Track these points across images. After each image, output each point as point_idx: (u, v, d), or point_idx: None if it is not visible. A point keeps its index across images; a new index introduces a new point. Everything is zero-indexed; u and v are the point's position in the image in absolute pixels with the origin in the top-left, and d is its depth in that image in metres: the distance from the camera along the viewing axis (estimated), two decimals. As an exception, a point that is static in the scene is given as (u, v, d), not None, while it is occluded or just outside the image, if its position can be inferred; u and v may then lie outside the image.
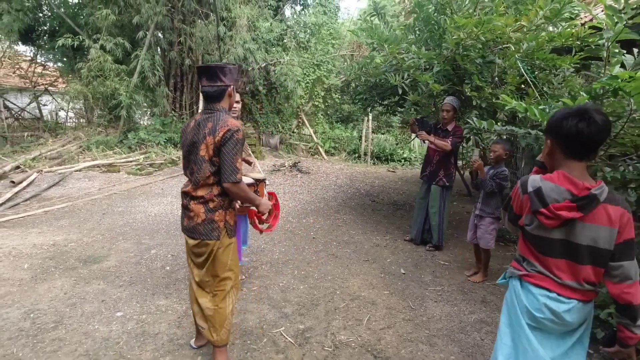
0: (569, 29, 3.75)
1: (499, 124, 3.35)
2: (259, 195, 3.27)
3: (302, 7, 13.67)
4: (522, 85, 4.21)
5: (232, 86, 2.11)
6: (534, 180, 1.56)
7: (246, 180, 3.03)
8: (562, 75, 3.97)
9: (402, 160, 12.47)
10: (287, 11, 13.83)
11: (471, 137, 5.22)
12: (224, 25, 10.57)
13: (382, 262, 4.13)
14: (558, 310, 1.52)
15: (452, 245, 4.75)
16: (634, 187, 2.64)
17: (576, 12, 3.86)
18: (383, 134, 14.05)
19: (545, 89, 4.05)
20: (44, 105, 15.20)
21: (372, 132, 13.28)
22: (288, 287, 3.43)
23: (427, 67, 4.25)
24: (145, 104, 11.63)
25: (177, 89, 11.67)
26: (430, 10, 4.39)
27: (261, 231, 3.10)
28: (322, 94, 14.19)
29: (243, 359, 2.42)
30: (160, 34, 10.90)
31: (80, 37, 9.52)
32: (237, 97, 3.08)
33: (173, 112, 11.34)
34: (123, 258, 3.82)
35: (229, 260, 2.15)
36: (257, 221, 2.99)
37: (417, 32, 4.73)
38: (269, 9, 12.08)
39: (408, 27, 4.63)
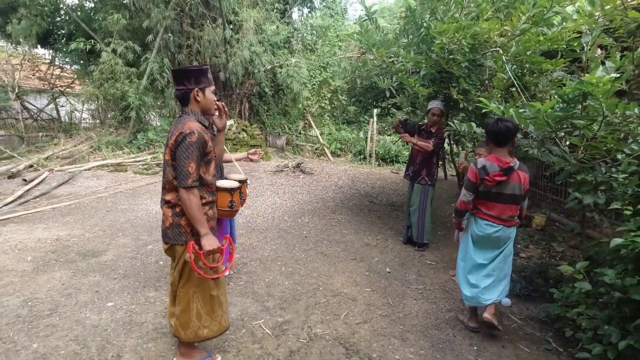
0: (556, 32, 3.80)
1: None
2: (244, 196, 3.34)
3: (309, 9, 13.84)
4: (512, 89, 4.28)
5: (196, 89, 2.09)
6: (480, 162, 2.78)
7: (230, 184, 3.08)
8: (548, 79, 4.01)
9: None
10: (295, 14, 14.04)
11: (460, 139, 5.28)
12: (231, 28, 10.84)
13: (369, 260, 4.23)
14: (490, 232, 2.78)
15: (443, 245, 4.82)
16: (604, 189, 2.70)
17: (562, 16, 3.91)
18: (389, 135, 14.09)
19: (533, 92, 4.11)
20: (62, 106, 15.75)
21: (379, 133, 13.36)
22: (273, 283, 3.57)
23: (416, 70, 4.35)
24: (154, 105, 11.96)
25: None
26: (420, 14, 4.48)
27: (195, 270, 2.08)
28: (329, 95, 14.32)
29: (221, 347, 2.56)
30: (169, 37, 11.20)
31: (92, 40, 9.88)
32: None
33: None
34: (120, 253, 4.03)
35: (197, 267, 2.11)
36: (192, 257, 2.06)
37: (410, 35, 4.82)
38: (275, 11, 12.29)
39: (400, 31, 4.72)
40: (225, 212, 3.03)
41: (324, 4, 13.81)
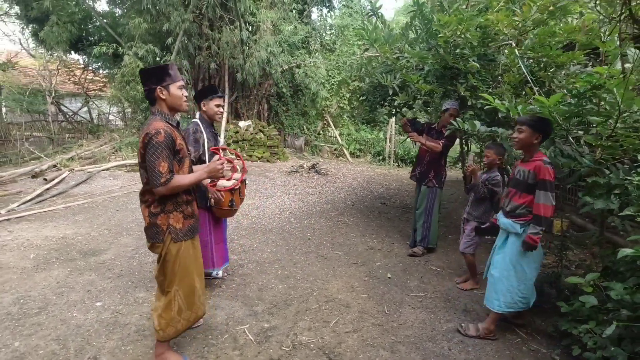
0: (571, 24, 3.51)
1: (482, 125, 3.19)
2: (242, 196, 3.31)
3: (328, 9, 13.73)
4: (528, 85, 4.00)
5: (158, 88, 2.09)
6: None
7: (230, 183, 3.04)
8: (565, 73, 3.71)
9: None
10: (314, 14, 13.97)
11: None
12: (248, 30, 10.88)
13: (370, 265, 4.06)
14: None
15: (452, 251, 4.57)
16: (618, 193, 2.42)
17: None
18: (406, 138, 13.73)
19: (548, 87, 3.81)
20: (94, 109, 16.45)
21: (398, 134, 13.05)
22: (266, 286, 3.47)
23: (421, 66, 4.14)
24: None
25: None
26: (427, 7, 4.27)
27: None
28: (348, 95, 14.14)
29: (199, 353, 2.49)
30: (187, 39, 11.39)
31: (115, 45, 10.19)
32: (217, 102, 3.12)
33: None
34: (120, 252, 4.06)
35: (176, 266, 2.15)
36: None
37: (418, 30, 4.61)
38: (293, 11, 12.25)
39: (407, 26, 4.52)
40: (225, 211, 3.02)
41: (343, 2, 13.65)
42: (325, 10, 14.04)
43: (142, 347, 2.51)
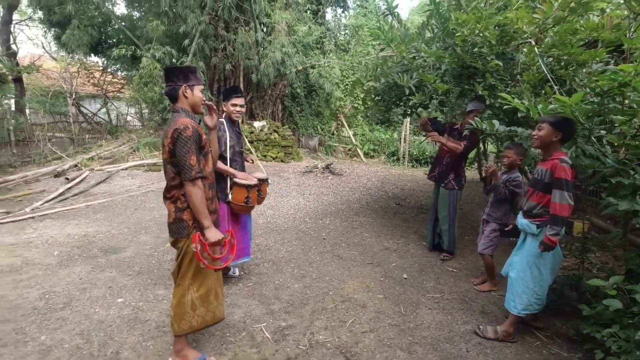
0: (594, 21, 3.44)
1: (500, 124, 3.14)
2: (263, 195, 3.36)
3: (342, 9, 13.73)
4: (548, 83, 3.92)
5: (184, 86, 2.15)
6: (568, 159, 2.52)
7: (248, 181, 3.10)
8: (587, 71, 3.63)
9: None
10: (328, 14, 13.98)
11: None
12: (263, 31, 10.96)
13: (386, 265, 4.05)
14: None
15: (469, 252, 4.52)
16: (644, 193, 2.35)
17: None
18: (425, 136, 13.64)
19: (569, 86, 3.74)
20: (113, 110, 16.82)
21: (413, 134, 12.96)
22: (283, 285, 3.50)
23: (437, 66, 4.10)
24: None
25: (220, 92, 12.27)
26: (444, 6, 4.23)
27: (200, 260, 2.11)
28: (362, 95, 14.11)
29: (218, 350, 2.52)
30: (203, 40, 11.54)
31: (133, 47, 10.40)
32: (233, 101, 3.18)
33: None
34: (139, 250, 4.14)
35: (194, 261, 2.18)
36: (198, 247, 2.10)
37: (434, 29, 4.58)
38: (308, 12, 12.29)
39: (423, 25, 4.49)
40: (240, 207, 3.07)
41: (358, 2, 13.62)
42: (339, 11, 14.06)
43: (162, 343, 2.56)
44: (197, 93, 2.20)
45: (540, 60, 3.53)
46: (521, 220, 2.76)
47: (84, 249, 4.11)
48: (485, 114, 4.09)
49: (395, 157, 12.71)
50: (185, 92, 2.16)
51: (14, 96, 11.61)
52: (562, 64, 3.83)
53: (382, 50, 4.83)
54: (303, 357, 2.49)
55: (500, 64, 3.49)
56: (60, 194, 6.19)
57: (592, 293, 3.03)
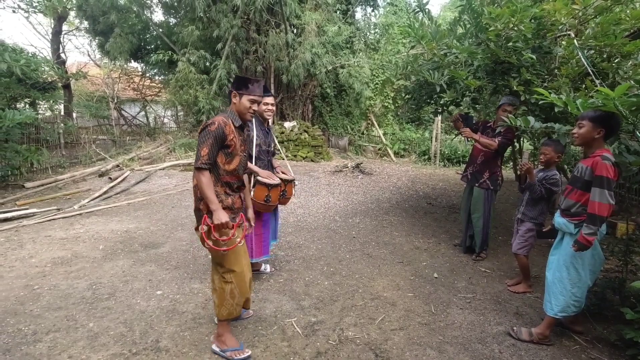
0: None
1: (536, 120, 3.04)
2: (287, 195, 3.43)
3: (372, 8, 13.65)
4: (589, 77, 3.75)
5: (234, 91, 2.35)
6: (610, 156, 2.40)
7: (270, 180, 3.18)
8: (632, 63, 3.44)
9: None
10: (358, 14, 13.95)
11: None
12: (293, 32, 11.11)
13: (416, 264, 4.02)
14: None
15: (502, 252, 4.39)
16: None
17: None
18: (456, 134, 13.32)
19: (612, 80, 3.56)
20: (150, 113, 17.64)
21: (444, 132, 12.69)
22: (313, 282, 3.55)
23: (470, 62, 4.02)
24: (223, 109, 12.76)
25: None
26: (477, 0, 4.15)
27: (205, 241, 2.29)
28: (392, 94, 13.97)
29: (250, 342, 2.61)
30: (235, 43, 11.85)
31: (169, 52, 10.84)
32: (271, 100, 3.29)
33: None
34: (176, 245, 4.34)
35: (220, 252, 2.30)
36: (204, 229, 2.26)
37: (467, 25, 4.49)
38: (338, 12, 12.33)
39: (455, 21, 4.41)
40: (260, 205, 3.15)
41: (388, 0, 13.51)
42: (369, 10, 13.99)
43: (198, 334, 2.68)
44: (243, 101, 2.34)
45: (580, 53, 3.39)
46: (558, 219, 2.67)
47: (126, 243, 4.36)
48: (520, 110, 3.97)
49: (426, 157, 12.50)
50: (234, 97, 2.36)
51: (63, 101, 12.43)
52: (605, 56, 3.65)
53: (412, 47, 4.77)
54: (333, 352, 2.53)
55: (534, 57, 3.37)
56: (104, 193, 6.58)
57: (637, 297, 2.88)
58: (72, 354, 2.40)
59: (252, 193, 3.15)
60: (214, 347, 2.46)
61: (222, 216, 2.22)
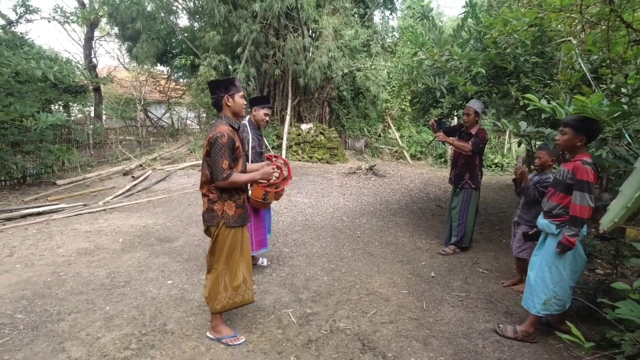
0: None
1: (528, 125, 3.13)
2: (269, 198, 3.58)
3: (390, 11, 13.74)
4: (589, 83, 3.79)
5: (226, 96, 2.48)
6: (589, 160, 2.50)
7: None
8: (631, 69, 3.46)
9: (493, 166, 11.58)
10: (376, 17, 14.06)
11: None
12: (311, 36, 11.35)
13: (415, 264, 4.15)
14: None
15: (503, 255, 4.46)
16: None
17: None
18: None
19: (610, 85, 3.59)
20: (174, 114, 18.32)
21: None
22: (313, 277, 3.75)
23: (471, 68, 4.12)
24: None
25: (270, 96, 12.88)
26: (484, 6, 4.25)
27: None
28: (409, 97, 14.01)
29: (248, 328, 2.84)
30: (254, 48, 12.19)
31: (192, 56, 11.30)
32: (265, 111, 3.52)
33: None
34: (189, 240, 4.63)
35: (224, 247, 2.53)
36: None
37: (471, 30, 4.58)
38: (355, 15, 12.49)
39: (458, 27, 4.52)
40: (258, 203, 3.37)
41: (406, 4, 13.56)
42: (387, 13, 14.08)
43: (202, 319, 2.92)
44: (238, 100, 2.52)
45: (579, 59, 3.45)
46: (541, 220, 2.77)
47: (144, 237, 4.69)
48: (519, 115, 4.04)
49: (442, 160, 12.47)
50: (228, 101, 2.50)
51: (92, 104, 13.14)
52: (607, 62, 3.69)
53: (414, 54, 4.91)
54: (323, 340, 2.72)
55: (530, 65, 3.46)
56: (127, 190, 7.00)
57: (623, 298, 2.93)
58: (89, 332, 2.69)
59: (250, 192, 3.36)
60: (210, 334, 2.67)
61: (264, 171, 2.60)
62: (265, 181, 3.14)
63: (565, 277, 2.60)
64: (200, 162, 9.47)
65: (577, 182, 2.47)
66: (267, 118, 3.57)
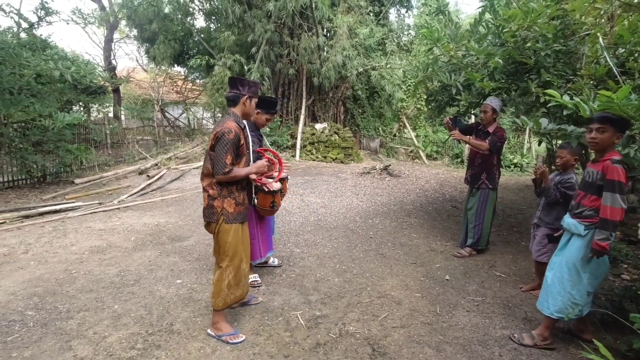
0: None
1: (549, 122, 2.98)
2: (284, 193, 3.51)
3: (406, 9, 13.54)
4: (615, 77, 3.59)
5: (247, 96, 2.52)
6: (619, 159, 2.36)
7: (275, 185, 3.28)
8: (661, 62, 3.26)
9: (512, 166, 11.26)
10: (392, 15, 13.88)
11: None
12: (325, 35, 11.27)
13: (429, 266, 4.02)
14: None
15: (522, 258, 4.28)
16: None
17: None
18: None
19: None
20: (191, 114, 18.55)
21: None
22: (323, 278, 3.67)
23: (488, 64, 3.97)
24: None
25: (285, 96, 12.87)
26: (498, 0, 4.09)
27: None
28: (425, 96, 13.76)
29: (255, 330, 2.78)
30: (269, 47, 12.20)
31: (207, 57, 11.38)
32: (268, 116, 3.43)
33: (279, 117, 12.58)
34: (200, 239, 4.62)
35: (226, 244, 2.52)
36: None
37: (489, 25, 4.42)
38: (370, 14, 12.36)
39: (475, 22, 4.36)
40: (267, 211, 3.29)
41: (422, 1, 13.33)
42: (403, 11, 13.88)
43: (209, 320, 2.87)
44: (253, 104, 2.60)
45: (605, 53, 3.27)
46: (568, 220, 2.60)
47: (155, 236, 4.70)
48: (539, 112, 3.86)
49: (459, 160, 12.20)
50: (246, 101, 2.53)
51: (111, 104, 13.41)
52: (637, 55, 3.49)
53: (429, 50, 4.77)
54: (331, 344, 2.64)
55: (551, 59, 3.29)
56: (142, 189, 7.07)
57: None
58: (97, 331, 2.68)
59: (255, 201, 3.23)
60: (210, 331, 2.66)
61: (257, 166, 2.63)
62: (262, 175, 3.07)
63: (584, 281, 2.45)
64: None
65: (608, 182, 2.32)
66: (267, 123, 3.52)
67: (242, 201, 2.61)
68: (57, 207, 5.72)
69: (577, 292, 2.45)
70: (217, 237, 2.56)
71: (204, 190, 2.54)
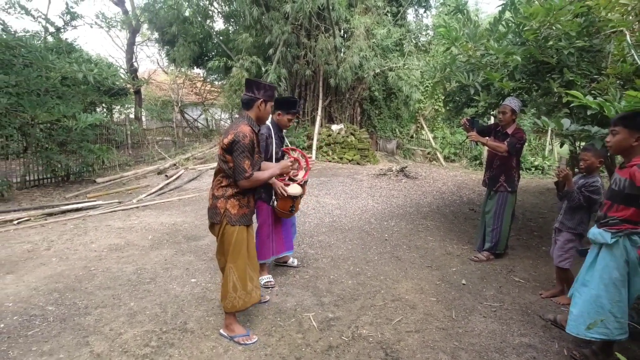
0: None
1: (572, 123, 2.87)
2: (295, 209, 3.45)
3: (424, 9, 13.39)
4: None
5: (262, 100, 2.50)
6: None
7: (293, 190, 3.27)
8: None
9: (532, 169, 10.96)
10: (409, 15, 13.74)
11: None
12: (342, 36, 11.25)
13: (445, 270, 3.94)
14: None
15: (542, 263, 4.15)
16: None
17: None
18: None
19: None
20: (209, 115, 18.84)
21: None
22: (337, 280, 3.64)
23: (508, 63, 3.87)
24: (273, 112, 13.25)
25: (301, 97, 12.90)
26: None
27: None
28: (443, 97, 13.56)
29: (267, 331, 2.78)
30: (286, 49, 12.26)
31: (225, 59, 11.52)
32: (291, 116, 3.41)
33: (296, 118, 12.62)
34: (215, 239, 4.65)
35: (230, 246, 2.52)
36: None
37: (509, 24, 4.31)
38: (388, 14, 12.27)
39: (495, 20, 4.26)
40: (285, 214, 3.31)
41: (441, 1, 13.16)
42: (421, 11, 13.73)
43: (221, 319, 2.88)
44: (268, 108, 2.58)
45: (632, 50, 3.13)
46: (594, 230, 2.45)
47: (172, 235, 4.77)
48: (561, 112, 3.75)
49: (477, 162, 11.97)
50: (261, 105, 2.52)
51: (133, 106, 13.73)
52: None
53: (447, 50, 4.68)
54: (344, 347, 2.61)
55: (575, 58, 3.18)
56: (160, 189, 7.21)
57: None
58: (113, 327, 2.73)
59: (275, 204, 3.25)
60: (223, 332, 2.67)
61: (282, 164, 2.75)
62: (285, 175, 3.09)
63: (624, 295, 2.31)
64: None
65: (639, 189, 2.19)
66: (291, 123, 3.49)
67: (246, 203, 2.58)
68: (79, 206, 5.89)
69: (619, 309, 2.28)
70: (220, 239, 2.57)
71: (211, 191, 2.57)
